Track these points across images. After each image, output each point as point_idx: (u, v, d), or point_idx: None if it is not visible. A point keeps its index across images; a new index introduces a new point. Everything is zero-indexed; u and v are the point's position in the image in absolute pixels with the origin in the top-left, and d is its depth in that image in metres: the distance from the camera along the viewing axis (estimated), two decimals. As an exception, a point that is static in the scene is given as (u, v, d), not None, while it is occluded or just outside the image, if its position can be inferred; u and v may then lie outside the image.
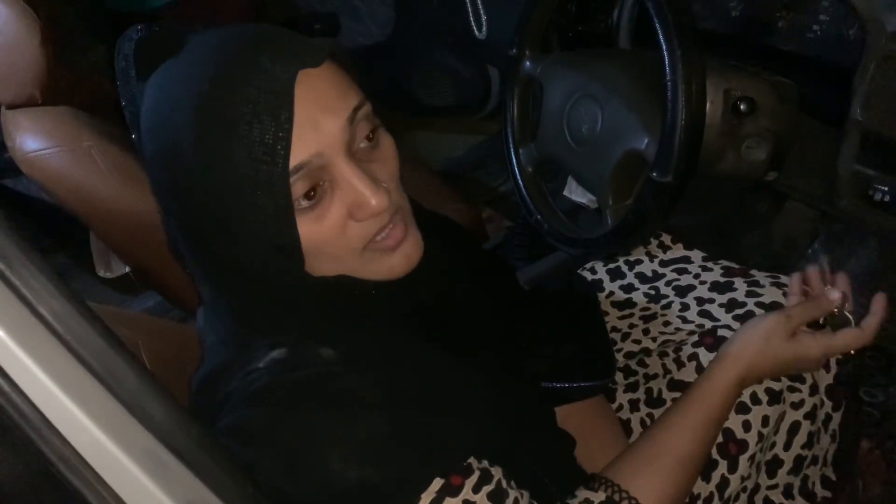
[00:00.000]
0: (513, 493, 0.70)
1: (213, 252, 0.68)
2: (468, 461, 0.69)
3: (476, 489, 0.67)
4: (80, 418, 0.52)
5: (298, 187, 0.63)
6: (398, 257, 0.70)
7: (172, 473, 0.56)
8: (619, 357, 1.05)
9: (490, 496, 0.68)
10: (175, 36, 0.67)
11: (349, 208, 0.66)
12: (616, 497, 0.76)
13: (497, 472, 0.70)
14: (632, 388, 1.01)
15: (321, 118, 0.63)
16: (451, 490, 0.67)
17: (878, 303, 0.88)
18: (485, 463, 0.70)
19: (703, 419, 0.82)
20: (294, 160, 0.61)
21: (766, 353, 0.85)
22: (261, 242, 0.64)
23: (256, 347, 0.70)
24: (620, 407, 1.01)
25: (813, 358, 0.87)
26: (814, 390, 0.95)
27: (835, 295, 0.89)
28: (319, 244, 0.66)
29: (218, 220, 0.64)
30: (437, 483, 0.66)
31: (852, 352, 0.90)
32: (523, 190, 1.22)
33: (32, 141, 1.19)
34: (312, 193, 0.64)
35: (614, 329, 1.08)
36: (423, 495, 0.66)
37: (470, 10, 1.52)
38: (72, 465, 0.52)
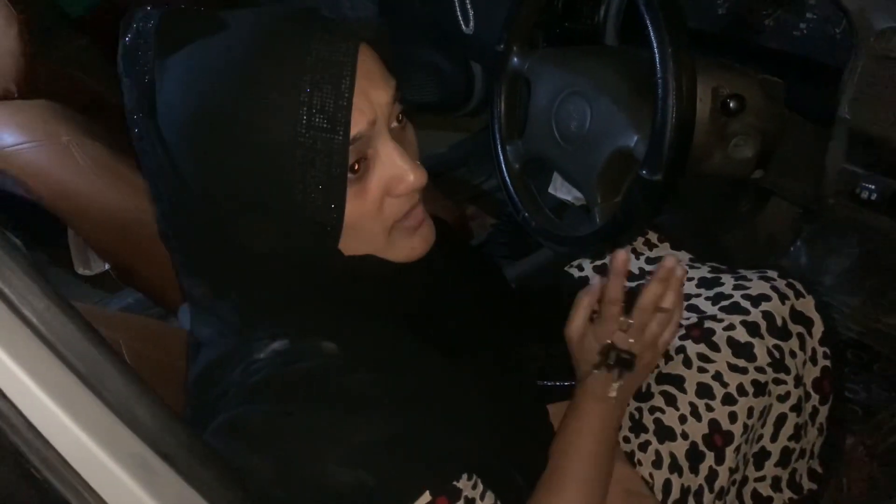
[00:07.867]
0: None
1: (234, 233, 0.66)
2: (458, 484, 0.68)
3: None
4: (65, 422, 0.51)
5: (350, 158, 0.63)
6: (418, 239, 0.72)
7: (160, 478, 0.54)
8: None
9: None
10: (207, 14, 0.66)
11: (387, 183, 0.66)
12: None
13: (487, 502, 0.70)
14: (621, 384, 1.00)
15: (371, 91, 0.63)
16: None
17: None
18: (477, 491, 0.69)
19: (587, 435, 0.81)
20: (352, 130, 0.61)
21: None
22: (301, 217, 0.63)
23: (257, 338, 0.68)
24: (610, 403, 1.00)
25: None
26: (798, 382, 0.95)
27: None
28: (357, 219, 0.66)
29: (255, 194, 0.63)
30: (425, 499, 0.65)
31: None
32: (510, 187, 1.21)
33: (8, 135, 1.16)
34: (357, 167, 0.64)
35: (603, 327, 1.07)
36: None
37: (457, 4, 1.51)
38: (56, 469, 0.51)
